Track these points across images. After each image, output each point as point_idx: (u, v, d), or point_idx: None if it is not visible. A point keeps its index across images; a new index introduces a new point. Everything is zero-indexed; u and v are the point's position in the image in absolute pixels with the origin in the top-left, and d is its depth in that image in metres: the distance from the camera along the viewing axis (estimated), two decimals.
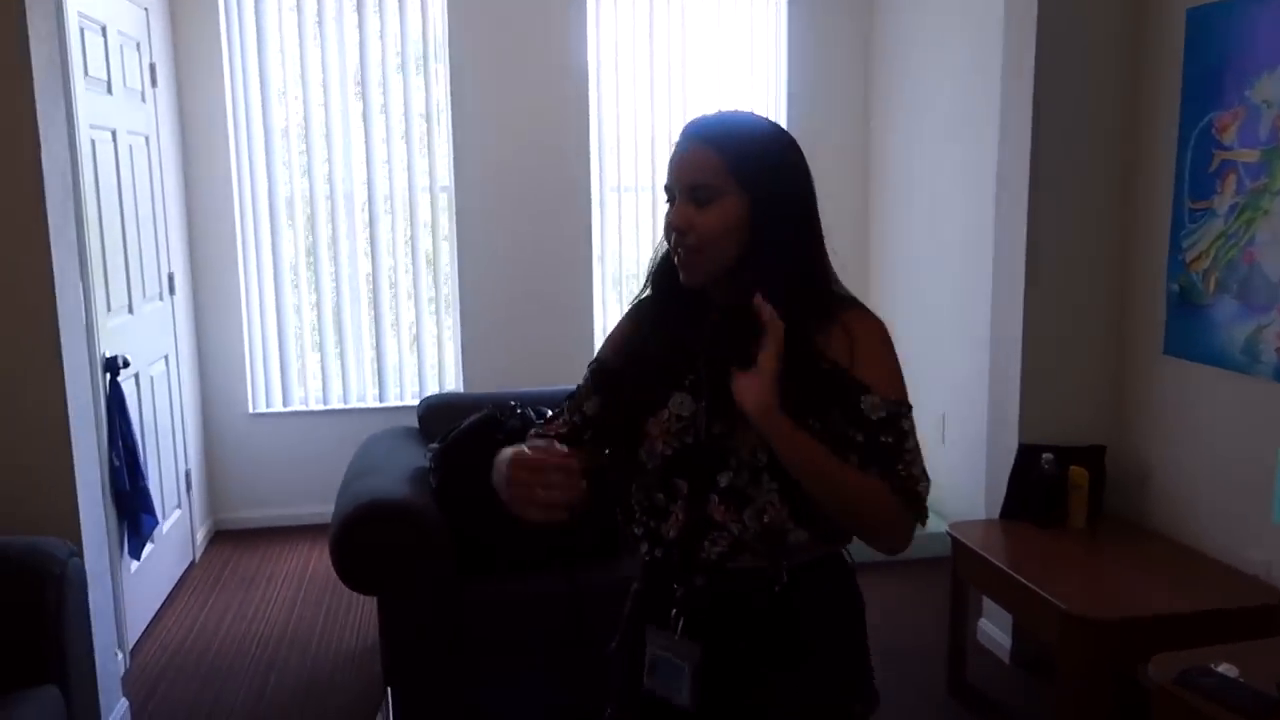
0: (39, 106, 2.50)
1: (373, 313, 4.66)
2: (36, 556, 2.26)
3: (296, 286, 4.63)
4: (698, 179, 1.30)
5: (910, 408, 1.32)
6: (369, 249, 4.62)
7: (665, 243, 1.37)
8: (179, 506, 4.03)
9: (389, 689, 2.32)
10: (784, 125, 1.51)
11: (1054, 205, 3.04)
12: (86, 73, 3.19)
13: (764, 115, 1.39)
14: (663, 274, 1.40)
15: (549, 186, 4.62)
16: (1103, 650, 2.41)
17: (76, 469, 2.61)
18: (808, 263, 1.34)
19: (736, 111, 1.37)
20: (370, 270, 4.64)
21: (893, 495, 1.28)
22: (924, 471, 1.32)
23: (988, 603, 3.34)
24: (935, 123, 4.23)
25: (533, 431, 1.51)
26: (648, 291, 1.45)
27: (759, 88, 4.78)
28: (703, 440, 1.34)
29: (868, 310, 1.37)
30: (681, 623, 1.37)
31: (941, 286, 4.20)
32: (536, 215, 4.62)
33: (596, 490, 1.30)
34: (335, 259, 4.60)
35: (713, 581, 1.36)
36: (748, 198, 1.29)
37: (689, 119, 1.36)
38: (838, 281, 1.38)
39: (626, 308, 1.51)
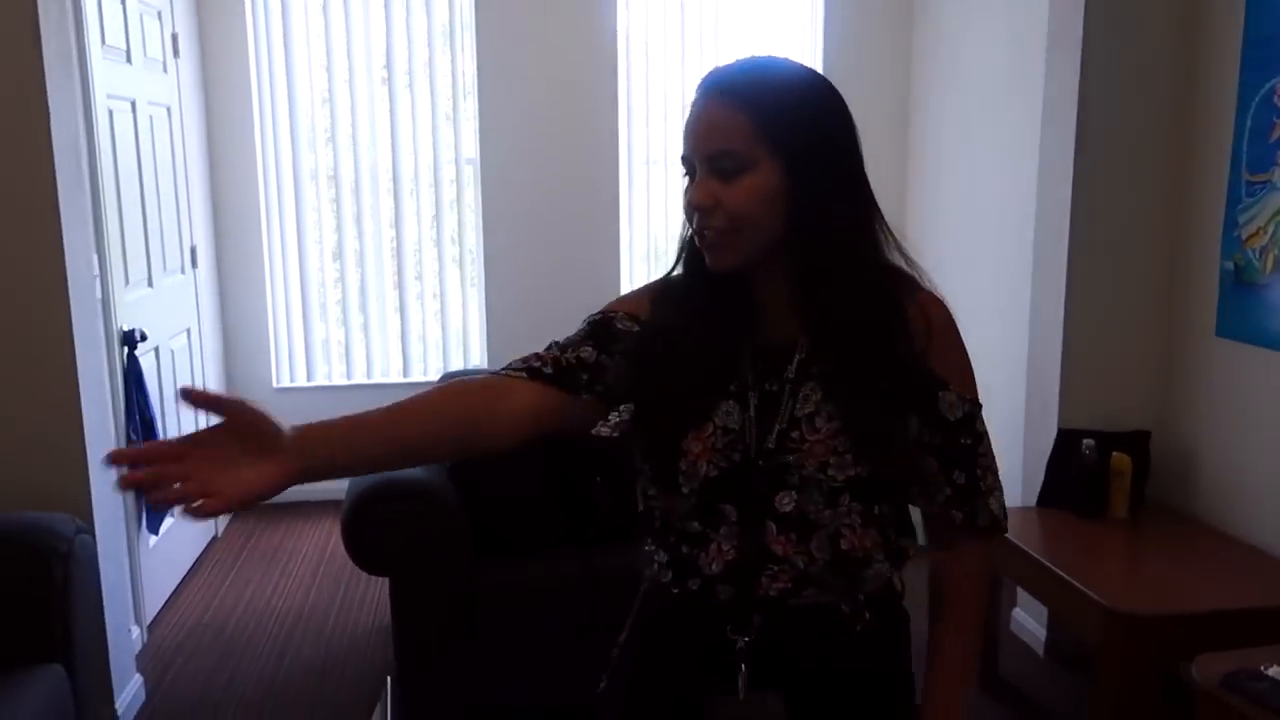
0: (48, 74, 2.45)
1: (397, 287, 4.62)
2: (42, 533, 2.22)
3: (321, 260, 4.59)
4: (721, 146, 1.08)
5: (981, 406, 1.19)
6: (394, 222, 4.56)
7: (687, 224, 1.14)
8: None
9: (389, 679, 2.27)
10: None
11: (1100, 177, 2.89)
12: (104, 41, 3.14)
13: (794, 60, 1.16)
14: (694, 257, 1.17)
15: (576, 159, 4.53)
16: (1144, 648, 2.29)
17: (88, 444, 2.57)
18: (861, 232, 1.13)
19: (761, 58, 1.14)
20: (395, 244, 4.58)
21: (986, 555, 1.22)
22: (998, 480, 1.19)
23: (1021, 592, 3.22)
24: (978, 91, 4.07)
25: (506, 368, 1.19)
26: (678, 271, 1.20)
27: (794, 55, 4.62)
28: (753, 457, 1.13)
29: (929, 289, 1.18)
30: (745, 679, 1.14)
31: (980, 260, 4.04)
32: (563, 189, 4.53)
33: (618, 460, 1.15)
34: (360, 232, 4.55)
35: (772, 622, 1.14)
36: (782, 162, 1.07)
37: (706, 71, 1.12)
38: (894, 246, 1.16)
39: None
